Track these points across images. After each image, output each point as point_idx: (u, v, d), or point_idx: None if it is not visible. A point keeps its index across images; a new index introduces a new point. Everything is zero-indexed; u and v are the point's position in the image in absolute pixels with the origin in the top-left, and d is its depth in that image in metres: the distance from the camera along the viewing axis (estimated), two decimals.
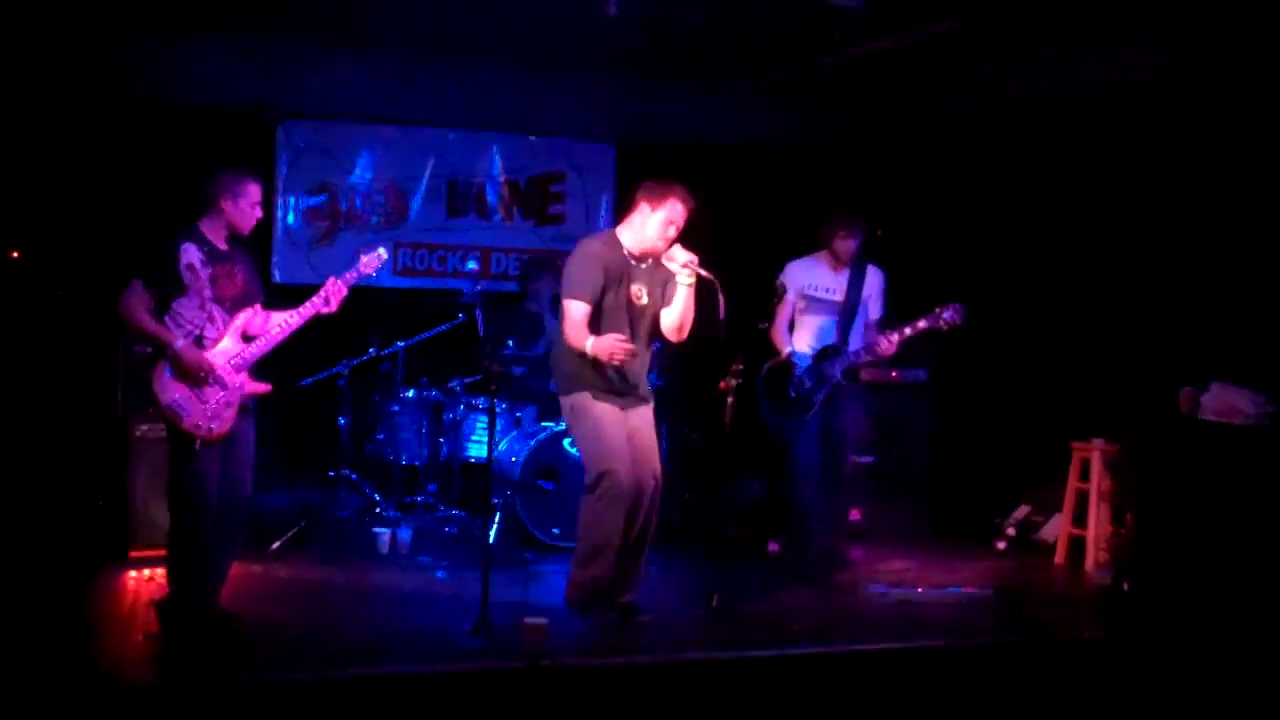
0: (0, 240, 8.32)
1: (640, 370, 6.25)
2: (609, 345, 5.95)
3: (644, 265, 6.19)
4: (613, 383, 6.11)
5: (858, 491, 8.22)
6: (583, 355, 6.01)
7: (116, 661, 5.40)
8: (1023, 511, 8.54)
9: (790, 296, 7.43)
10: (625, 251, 6.17)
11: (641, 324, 6.21)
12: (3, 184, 8.27)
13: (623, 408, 6.14)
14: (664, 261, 6.10)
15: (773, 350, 7.50)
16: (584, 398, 6.09)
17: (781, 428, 7.47)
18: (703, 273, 6.04)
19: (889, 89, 9.80)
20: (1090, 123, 8.33)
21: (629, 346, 5.97)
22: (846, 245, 7.46)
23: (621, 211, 10.04)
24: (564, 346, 6.13)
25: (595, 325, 6.05)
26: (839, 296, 7.48)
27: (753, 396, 7.39)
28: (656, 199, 6.09)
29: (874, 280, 7.57)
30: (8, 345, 8.15)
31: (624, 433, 6.10)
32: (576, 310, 6.04)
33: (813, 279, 7.50)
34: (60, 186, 8.51)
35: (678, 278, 6.11)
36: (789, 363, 7.41)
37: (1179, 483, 7.21)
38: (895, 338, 7.21)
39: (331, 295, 5.91)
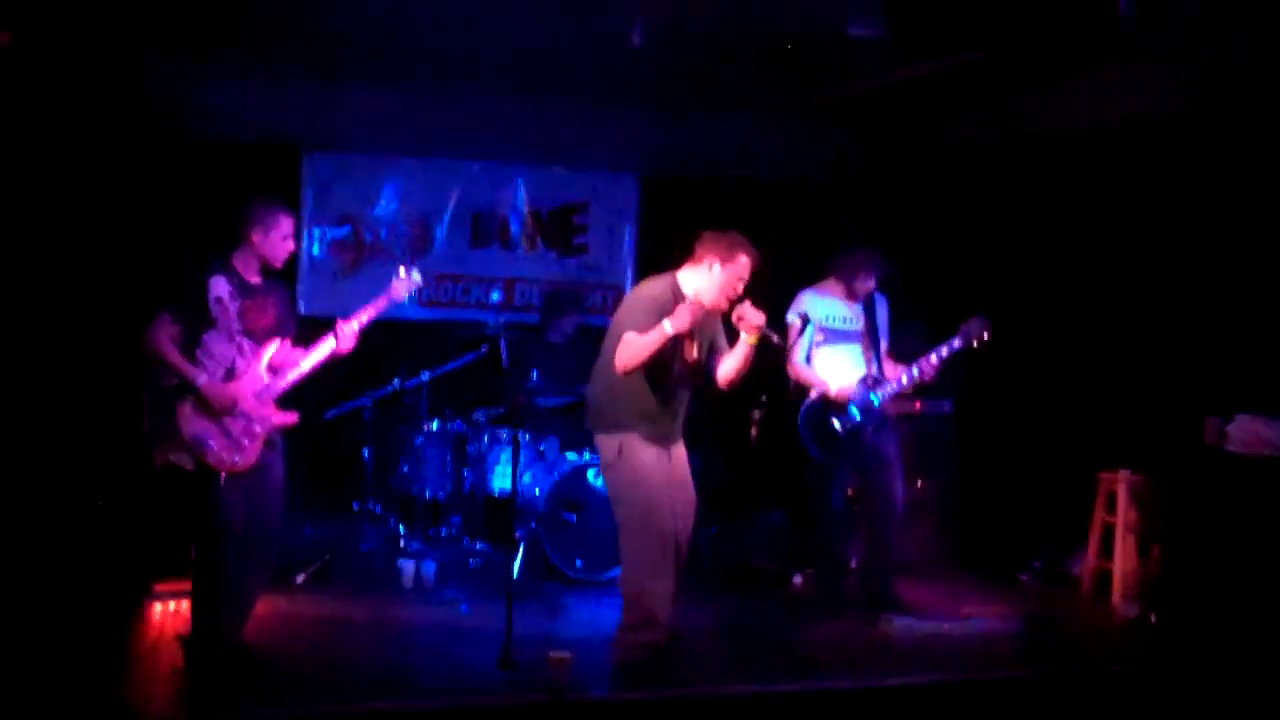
0: (28, 273, 8.35)
1: (682, 414, 6.18)
2: (685, 308, 5.84)
3: None
4: (658, 426, 6.03)
5: (908, 522, 8.01)
6: (629, 398, 5.95)
7: (141, 696, 5.41)
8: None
9: (805, 328, 7.37)
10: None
11: (689, 375, 6.13)
12: (32, 214, 8.32)
13: (664, 449, 6.07)
14: (734, 320, 5.97)
15: (795, 385, 7.44)
16: (632, 439, 5.97)
17: (824, 466, 7.41)
18: (773, 337, 5.99)
19: (913, 119, 9.79)
20: (1116, 152, 8.30)
21: (701, 303, 5.89)
22: (867, 284, 7.44)
23: (645, 243, 10.21)
24: (608, 385, 6.03)
25: (635, 377, 5.94)
26: (857, 325, 7.46)
27: (789, 434, 7.33)
28: (726, 256, 6.01)
29: (883, 309, 7.56)
30: (36, 373, 8.18)
31: (666, 478, 6.03)
32: (630, 338, 5.90)
33: (830, 309, 7.44)
34: (86, 215, 8.55)
35: (743, 335, 5.99)
36: (834, 401, 7.35)
37: (1205, 514, 7.17)
38: (935, 359, 7.19)
39: (343, 335, 5.94)
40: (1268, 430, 7.01)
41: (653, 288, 6.12)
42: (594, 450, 7.00)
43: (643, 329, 5.87)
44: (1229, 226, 7.56)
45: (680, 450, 6.21)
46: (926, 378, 7.28)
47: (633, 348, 5.87)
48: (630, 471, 5.96)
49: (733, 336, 6.17)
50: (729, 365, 6.16)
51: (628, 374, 5.91)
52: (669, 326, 5.80)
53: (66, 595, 6.80)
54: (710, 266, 6.03)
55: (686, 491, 6.16)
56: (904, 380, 7.29)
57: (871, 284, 7.44)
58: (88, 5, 7.56)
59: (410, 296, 6.30)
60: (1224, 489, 7.06)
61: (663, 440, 6.06)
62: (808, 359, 7.40)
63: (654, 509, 5.91)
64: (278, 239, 5.84)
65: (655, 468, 6.00)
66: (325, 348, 5.95)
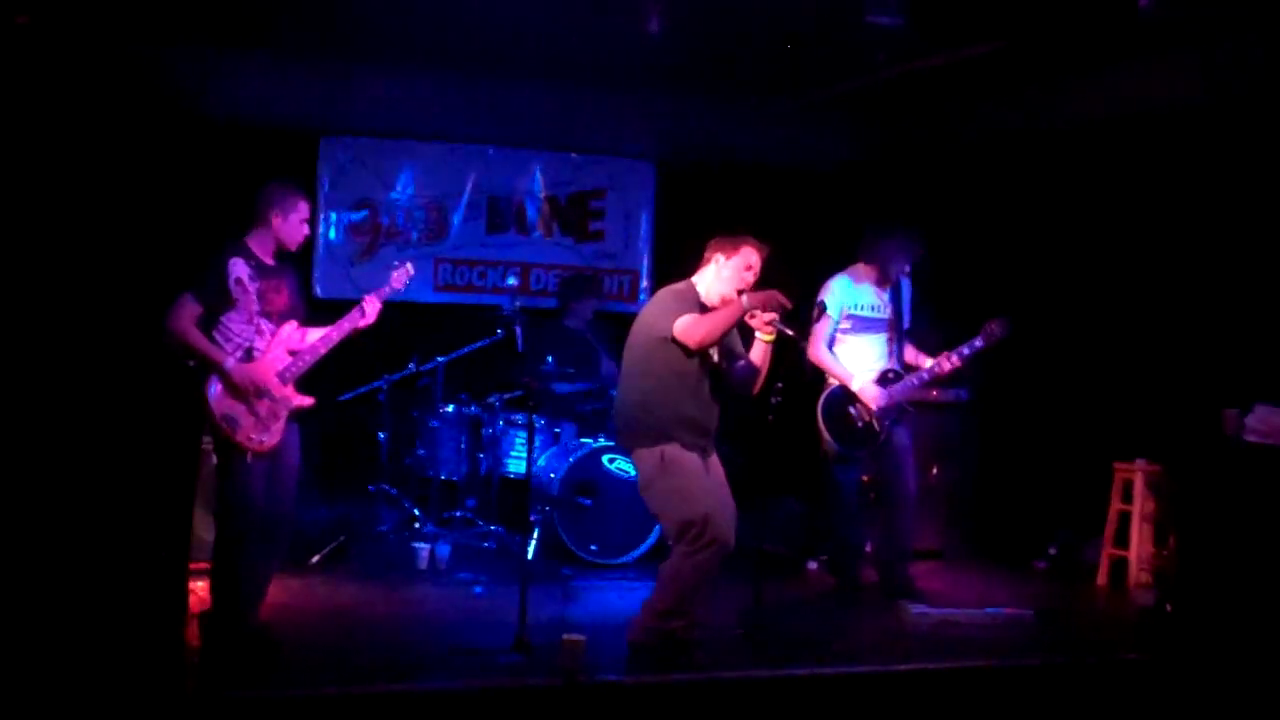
0: (44, 255, 8.34)
1: (716, 423, 6.09)
2: (768, 293, 5.79)
3: None
4: (696, 434, 5.94)
5: (921, 512, 7.98)
6: (666, 406, 5.87)
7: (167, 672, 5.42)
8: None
9: (831, 315, 7.35)
10: (704, 303, 6.04)
11: (711, 380, 6.04)
12: (47, 195, 8.32)
13: (702, 459, 5.99)
14: (747, 319, 5.90)
15: (814, 370, 7.42)
16: (675, 449, 5.86)
17: (840, 456, 7.41)
18: (787, 330, 5.90)
19: (931, 108, 9.77)
20: (1135, 144, 8.28)
21: (787, 303, 5.83)
22: (902, 268, 7.42)
23: (662, 229, 10.21)
24: (642, 396, 5.94)
25: (670, 382, 5.90)
26: (884, 313, 7.45)
27: (805, 421, 7.34)
28: (730, 248, 6.02)
29: (907, 292, 7.55)
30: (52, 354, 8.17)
31: (709, 483, 5.96)
32: (688, 318, 5.88)
33: (859, 298, 7.42)
34: (102, 198, 8.54)
35: (758, 334, 5.95)
36: (851, 392, 7.34)
37: (1222, 504, 7.15)
38: (955, 359, 7.22)
39: (368, 310, 5.97)
40: None
41: (675, 288, 6.12)
42: (609, 435, 6.98)
43: (686, 312, 5.87)
44: (1247, 218, 7.54)
45: (716, 461, 6.13)
46: (944, 374, 7.31)
47: (707, 323, 5.84)
48: (674, 478, 5.84)
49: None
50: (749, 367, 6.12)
51: (702, 348, 5.85)
52: (747, 301, 5.80)
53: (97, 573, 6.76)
54: (716, 262, 6.05)
55: (727, 502, 6.05)
56: (924, 376, 7.31)
57: (906, 268, 7.44)
58: None
59: (425, 281, 6.32)
60: (1241, 479, 7.04)
61: (701, 450, 5.98)
62: (830, 346, 7.38)
63: (719, 515, 5.80)
64: (296, 222, 5.87)
65: (699, 471, 5.91)
66: (349, 324, 5.96)
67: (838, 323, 7.38)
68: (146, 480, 7.46)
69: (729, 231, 6.15)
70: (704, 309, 6.00)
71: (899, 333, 7.45)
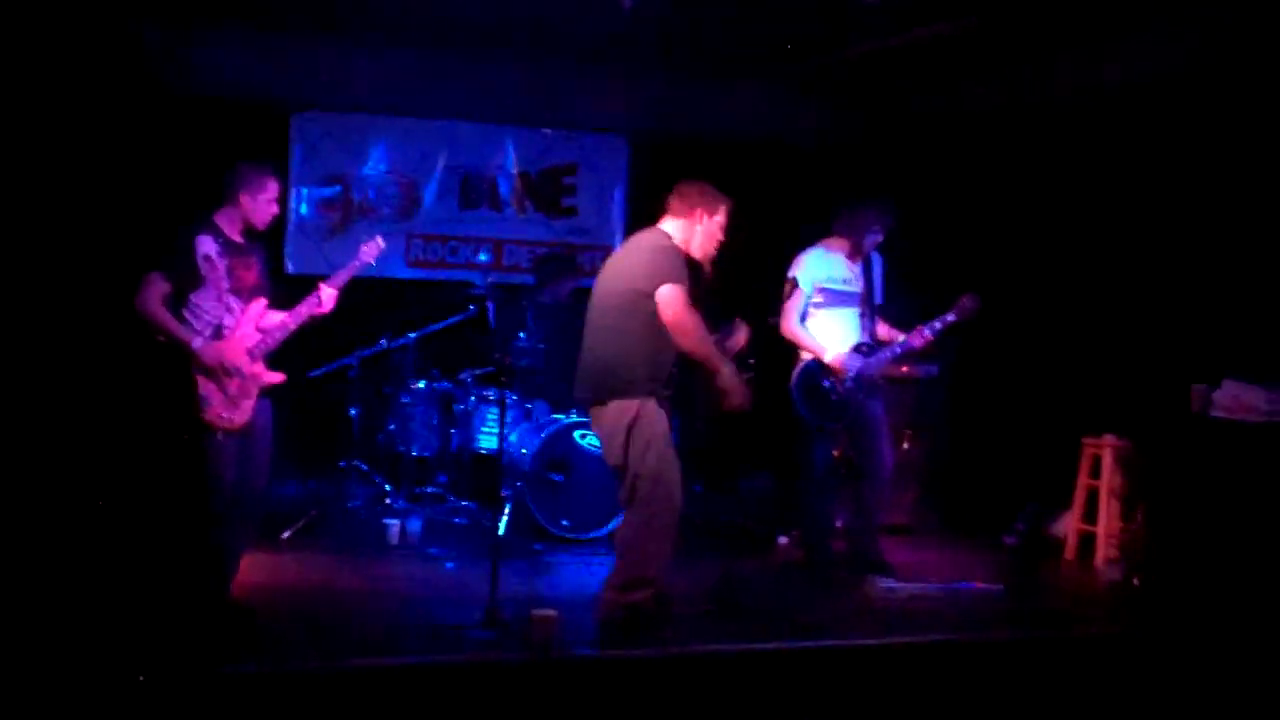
0: (15, 233, 8.27)
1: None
2: (742, 395, 5.84)
3: None
4: (664, 389, 5.91)
5: (894, 485, 7.98)
6: (649, 361, 5.82)
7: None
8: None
9: (804, 290, 7.36)
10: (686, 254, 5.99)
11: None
12: (19, 173, 8.26)
13: (665, 415, 5.96)
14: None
15: (786, 345, 7.43)
16: (649, 404, 5.83)
17: (813, 430, 7.42)
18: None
19: (905, 85, 9.76)
20: (1105, 121, 8.30)
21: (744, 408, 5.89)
22: (874, 240, 7.44)
23: (635, 205, 10.18)
24: (626, 348, 5.85)
25: (648, 336, 5.81)
26: (856, 287, 7.45)
27: (777, 396, 7.35)
28: (712, 207, 5.98)
29: (878, 268, 7.58)
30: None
31: (667, 440, 5.91)
32: (682, 293, 5.78)
33: (831, 271, 7.40)
34: (75, 175, 8.49)
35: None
36: (825, 365, 7.35)
37: (1190, 479, 7.19)
38: (928, 333, 7.25)
39: (324, 299, 5.96)
40: (1253, 396, 7.03)
41: (659, 244, 5.96)
42: (581, 412, 6.95)
43: (682, 279, 5.80)
44: (1218, 194, 7.57)
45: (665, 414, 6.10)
46: (917, 348, 7.34)
47: (698, 337, 5.80)
48: (648, 435, 5.79)
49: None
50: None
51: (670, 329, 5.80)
52: (726, 382, 5.81)
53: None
54: (700, 220, 5.98)
55: (675, 460, 6.06)
56: (897, 349, 7.33)
57: (879, 239, 7.45)
58: None
59: (397, 257, 6.30)
60: (1208, 454, 7.08)
61: (664, 404, 5.95)
62: (803, 320, 7.38)
63: (669, 474, 5.81)
64: (264, 202, 5.86)
65: (665, 432, 5.88)
66: (306, 310, 5.95)
67: (810, 297, 7.37)
68: (135, 457, 7.45)
69: (695, 181, 6.06)
70: (687, 260, 5.93)
71: (871, 308, 7.46)
